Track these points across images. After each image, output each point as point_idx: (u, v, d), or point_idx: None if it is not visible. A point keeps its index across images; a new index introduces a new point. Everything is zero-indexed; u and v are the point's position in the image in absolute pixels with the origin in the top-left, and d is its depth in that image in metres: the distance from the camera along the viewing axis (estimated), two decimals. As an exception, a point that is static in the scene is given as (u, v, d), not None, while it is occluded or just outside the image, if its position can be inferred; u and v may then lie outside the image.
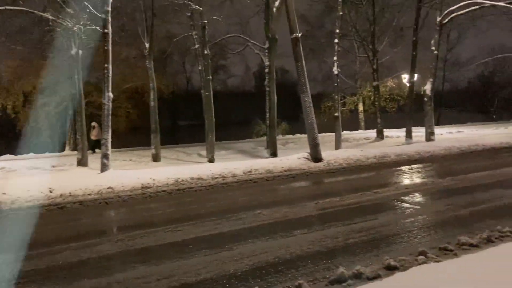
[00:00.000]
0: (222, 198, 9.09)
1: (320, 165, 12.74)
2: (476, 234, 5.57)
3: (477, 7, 17.39)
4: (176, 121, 47.55)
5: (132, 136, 25.57)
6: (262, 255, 5.21)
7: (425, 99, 18.36)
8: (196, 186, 10.30)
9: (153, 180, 10.49)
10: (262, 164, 12.33)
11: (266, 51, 16.90)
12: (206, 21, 14.97)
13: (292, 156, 13.42)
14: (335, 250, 5.34)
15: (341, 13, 16.66)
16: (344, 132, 24.60)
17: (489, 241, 5.31)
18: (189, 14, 15.77)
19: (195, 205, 8.51)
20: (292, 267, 4.79)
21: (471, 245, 5.19)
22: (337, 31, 16.70)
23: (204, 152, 16.31)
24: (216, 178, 11.00)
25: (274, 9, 15.44)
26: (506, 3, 17.43)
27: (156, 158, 15.64)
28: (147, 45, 15.65)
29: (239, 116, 39.51)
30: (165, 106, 33.96)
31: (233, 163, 12.48)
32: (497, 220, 6.25)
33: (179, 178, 10.68)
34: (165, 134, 18.75)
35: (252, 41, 18.58)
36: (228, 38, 20.05)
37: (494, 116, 45.38)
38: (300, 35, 13.37)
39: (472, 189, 8.73)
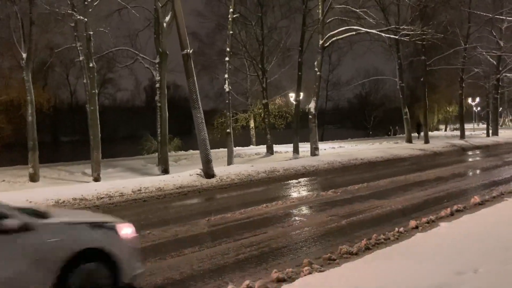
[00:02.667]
0: (109, 219, 8.57)
1: (212, 181, 12.75)
2: (356, 243, 5.98)
3: (354, 33, 19.07)
4: (58, 136, 44.22)
5: (6, 153, 23.05)
6: (149, 278, 4.99)
7: (310, 116, 19.51)
8: (80, 208, 9.60)
9: (29, 202, 9.53)
10: (152, 181, 11.96)
11: (157, 65, 16.58)
12: (91, 32, 14.22)
13: (185, 172, 13.24)
14: (225, 266, 5.34)
15: (231, 32, 17.06)
16: (237, 148, 25.02)
17: (367, 249, 5.74)
18: (72, 24, 14.84)
19: (78, 227, 7.90)
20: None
21: (351, 254, 5.57)
22: (228, 49, 17.04)
23: (89, 171, 15.27)
24: (102, 198, 10.37)
25: (165, 24, 15.27)
26: (377, 31, 19.41)
27: (34, 178, 14.25)
28: (24, 55, 14.34)
29: (128, 132, 38.03)
30: (46, 120, 31.39)
31: (121, 182, 11.90)
32: (373, 229, 6.81)
33: (59, 199, 9.86)
34: (45, 151, 17.26)
35: (141, 55, 18.08)
36: (116, 51, 19.25)
37: (370, 133, 49.85)
38: (191, 51, 13.37)
39: (351, 201, 9.42)
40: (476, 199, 8.54)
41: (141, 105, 48.88)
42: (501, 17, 26.98)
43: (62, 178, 15.12)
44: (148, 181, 12.09)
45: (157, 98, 16.76)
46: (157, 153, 18.39)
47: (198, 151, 14.22)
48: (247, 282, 4.52)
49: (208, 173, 13.03)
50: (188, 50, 13.24)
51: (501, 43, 30.30)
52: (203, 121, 13.40)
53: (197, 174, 12.95)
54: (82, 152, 22.06)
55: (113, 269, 4.02)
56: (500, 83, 33.14)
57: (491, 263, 4.37)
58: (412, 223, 6.91)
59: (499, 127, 36.49)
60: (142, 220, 8.27)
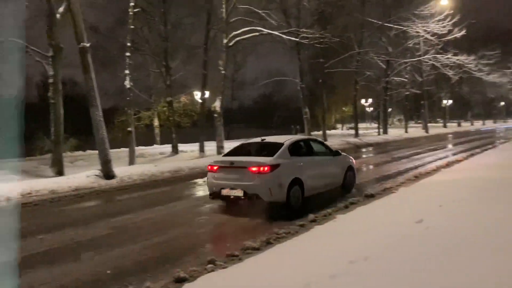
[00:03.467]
0: (-7, 226, 7.75)
1: (113, 182, 12.16)
2: (258, 238, 6.10)
3: (257, 33, 19.50)
4: None
5: None
6: (42, 287, 4.61)
7: (215, 115, 19.55)
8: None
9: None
10: (45, 184, 11.06)
11: (50, 59, 15.35)
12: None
13: (81, 174, 12.44)
14: (126, 269, 5.12)
15: (132, 26, 16.43)
16: (139, 147, 24.20)
17: (268, 243, 5.88)
18: None
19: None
20: (76, 295, 4.37)
21: (254, 249, 5.66)
22: (129, 44, 16.39)
23: (-30, 174, 13.73)
24: (-15, 203, 9.35)
25: (58, 15, 14.20)
26: (279, 33, 20.06)
27: None
28: None
29: (17, 131, 34.78)
30: None
31: (7, 185, 10.78)
32: (275, 223, 6.99)
33: None
34: None
35: (32, 47, 16.59)
36: (1, 42, 17.46)
37: (274, 132, 51.37)
38: (88, 45, 12.61)
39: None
40: (369, 192, 9.21)
41: (33, 102, 44.95)
42: (389, 25, 29.50)
43: None
44: (40, 183, 11.16)
45: (50, 94, 15.53)
46: (50, 154, 17.06)
47: (96, 151, 13.47)
48: (147, 284, 4.38)
49: (107, 173, 12.39)
50: (85, 44, 12.47)
51: (390, 49, 33.12)
52: (102, 119, 12.71)
53: (96, 175, 12.25)
54: (-39, 154, 19.73)
55: (351, 176, 10.05)
56: (388, 86, 36.18)
57: (379, 250, 4.72)
58: (311, 216, 7.24)
59: (388, 126, 39.79)
60: (33, 225, 7.60)
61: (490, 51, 35.82)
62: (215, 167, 8.27)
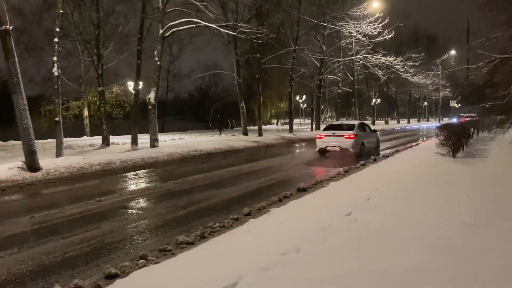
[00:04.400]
0: None
1: (38, 175, 11.47)
2: (192, 232, 6.06)
3: (194, 25, 19.24)
4: None
5: None
6: (-46, 288, 4.27)
7: (150, 107, 19.06)
8: None
9: None
10: (-40, 176, 10.21)
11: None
12: None
13: (3, 166, 11.61)
14: (51, 267, 4.87)
15: (61, 11, 15.50)
16: (68, 138, 23.05)
17: (203, 237, 5.87)
18: None
19: None
20: (-5, 296, 4.10)
21: (188, 243, 5.62)
22: (57, 29, 15.44)
23: None
24: None
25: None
26: (216, 26, 19.94)
27: None
28: None
29: None
30: None
31: None
32: (210, 217, 7.00)
33: None
34: None
35: None
36: None
37: (210, 125, 51.15)
38: (11, 28, 11.75)
39: (190, 191, 9.53)
40: (301, 186, 9.47)
41: None
42: (324, 24, 30.41)
43: None
44: (-46, 176, 10.29)
45: (-33, 79, 14.32)
46: (-33, 144, 15.75)
47: (19, 142, 12.64)
48: (76, 281, 4.21)
49: (32, 165, 11.68)
50: (8, 27, 11.60)
51: (324, 48, 34.15)
52: (26, 107, 11.93)
53: (19, 167, 11.49)
54: None
55: (378, 145, 18.21)
56: (322, 83, 37.31)
57: (311, 242, 4.89)
58: (246, 210, 7.32)
59: (321, 122, 41.06)
60: None
61: (416, 54, 38.06)
62: (323, 136, 16.50)
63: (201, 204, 8.16)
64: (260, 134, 28.54)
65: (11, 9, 16.06)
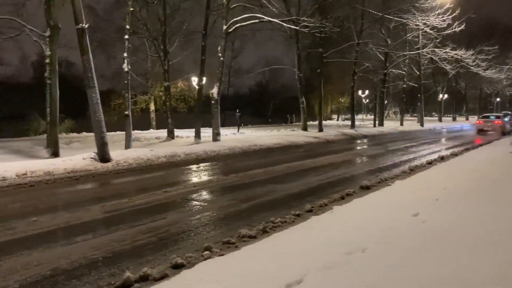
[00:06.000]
0: (-13, 206, 7.73)
1: (108, 165, 12.11)
2: (254, 226, 6.12)
3: (257, 20, 19.35)
4: None
5: None
6: (36, 268, 4.60)
7: (212, 102, 19.47)
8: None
9: None
10: (40, 165, 10.99)
11: (47, 39, 15.15)
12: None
13: (77, 156, 12.39)
14: (121, 254, 5.11)
15: (131, 9, 16.22)
16: (135, 131, 24.11)
17: (265, 232, 5.90)
18: None
19: (-51, 216, 7.01)
20: (73, 278, 4.37)
21: (250, 237, 5.68)
22: (127, 27, 16.19)
23: (-36, 152, 13.64)
24: (-21, 182, 9.30)
25: (57, -6, 13.99)
26: (279, 21, 19.91)
27: None
28: None
29: (13, 111, 34.42)
30: None
31: (2, 165, 10.75)
32: (271, 212, 7.02)
33: None
34: None
35: (29, 26, 16.37)
36: (-1, 20, 17.21)
37: (269, 120, 51.34)
38: (86, 26, 12.45)
39: (251, 185, 9.62)
40: (364, 184, 9.25)
41: (28, 82, 44.38)
42: (389, 16, 29.36)
43: None
44: (36, 164, 11.09)
45: (46, 74, 15.35)
46: (45, 135, 16.94)
47: (92, 134, 13.40)
48: (144, 269, 4.38)
49: (103, 157, 12.35)
50: (84, 25, 12.31)
51: (389, 41, 33.04)
52: (99, 101, 12.61)
53: (91, 158, 12.20)
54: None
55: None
56: (386, 78, 36.16)
57: (376, 242, 4.75)
58: (307, 206, 7.27)
59: (384, 118, 39.85)
60: (28, 207, 7.60)
61: (489, 46, 35.76)
62: (481, 121, 30.58)
63: (262, 199, 8.21)
64: (320, 130, 28.22)
65: (85, 7, 16.96)
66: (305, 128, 29.18)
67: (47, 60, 14.86)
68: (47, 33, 15.00)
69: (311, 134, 24.89)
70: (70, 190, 9.39)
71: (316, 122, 31.38)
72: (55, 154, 13.88)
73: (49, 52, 14.74)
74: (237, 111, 33.18)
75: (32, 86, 36.84)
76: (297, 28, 20.92)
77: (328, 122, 51.67)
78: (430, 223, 5.55)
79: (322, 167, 12.63)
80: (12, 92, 39.22)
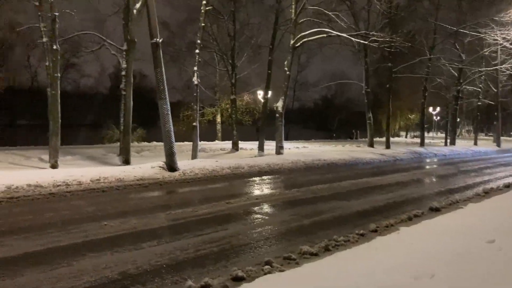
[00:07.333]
0: (65, 208, 8.26)
1: (175, 174, 12.52)
2: (316, 243, 6.00)
3: (325, 35, 19.25)
4: (15, 119, 42.32)
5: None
6: (105, 271, 4.81)
7: (277, 115, 19.56)
8: (34, 195, 9.20)
9: (-21, 186, 9.05)
10: (112, 172, 11.61)
11: (124, 53, 16.12)
12: (57, 13, 13.66)
13: (146, 164, 12.94)
14: (184, 262, 5.22)
15: (203, 24, 16.82)
16: (202, 142, 24.79)
17: (327, 250, 5.76)
18: (36, 3, 14.19)
19: (31, 215, 7.57)
20: (138, 283, 4.52)
21: (312, 254, 5.57)
22: (199, 41, 16.80)
23: (46, 157, 14.69)
24: (58, 185, 9.98)
25: (135, 11, 14.86)
26: (348, 35, 19.68)
27: (-15, 161, 13.59)
28: (-18, 31, 13.62)
29: (90, 119, 36.86)
30: (1, 102, 30.07)
31: (79, 170, 11.49)
32: (333, 230, 6.85)
33: (12, 185, 9.39)
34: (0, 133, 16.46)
35: (108, 41, 17.53)
36: (82, 35, 18.61)
37: (334, 135, 50.63)
38: (160, 40, 13.08)
39: (314, 201, 9.48)
40: (434, 205, 8.78)
41: (105, 93, 47.43)
42: (464, 31, 27.97)
43: (17, 163, 14.48)
44: (108, 171, 11.73)
45: (122, 86, 16.31)
46: (118, 143, 17.92)
47: (161, 143, 13.94)
48: (206, 279, 4.43)
49: (171, 166, 12.79)
50: (158, 39, 12.94)
51: (463, 56, 31.45)
52: (169, 112, 13.13)
53: (160, 166, 12.68)
54: (40, 137, 21.24)
55: None
56: (460, 95, 34.36)
57: (446, 268, 4.46)
58: (372, 226, 7.01)
59: (456, 137, 37.84)
60: (100, 211, 8.01)
61: None
62: None
63: (324, 215, 8.05)
64: (387, 147, 27.34)
65: (160, 23, 17.86)
66: (371, 145, 28.40)
67: (123, 73, 15.79)
68: (124, 47, 15.95)
69: (377, 151, 24.16)
70: (138, 197, 9.80)
71: (383, 139, 30.43)
72: (126, 161, 14.61)
73: (125, 65, 15.65)
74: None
75: (108, 96, 39.26)
76: (366, 42, 20.55)
77: (396, 139, 49.94)
78: (508, 251, 5.13)
79: (389, 186, 12.18)
80: (91, 101, 42.06)
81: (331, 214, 8.16)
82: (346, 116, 53.31)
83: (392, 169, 17.18)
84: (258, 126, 27.81)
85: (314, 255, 5.53)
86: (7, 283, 4.42)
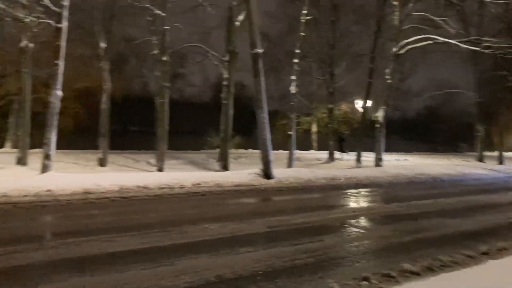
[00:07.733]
0: (168, 209, 8.79)
1: (271, 182, 12.68)
2: (418, 262, 5.63)
3: (431, 42, 18.22)
4: (127, 125, 46.22)
5: (79, 137, 24.50)
6: (203, 273, 4.99)
7: (377, 125, 18.90)
8: (142, 195, 9.93)
9: (96, 185, 10.01)
10: (212, 177, 12.12)
11: (226, 63, 16.81)
12: (167, 27, 14.70)
13: (244, 171, 13.31)
14: (280, 271, 5.21)
15: (303, 34, 16.90)
16: (297, 151, 24.79)
17: (430, 270, 5.37)
18: (150, 18, 15.43)
19: (138, 215, 8.16)
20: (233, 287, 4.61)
21: (413, 273, 5.23)
22: (297, 51, 16.91)
23: (153, 160, 15.86)
24: (163, 188, 10.66)
25: (237, 23, 15.44)
26: (456, 41, 18.40)
27: (102, 163, 15.02)
28: (103, 45, 15.13)
29: (193, 126, 38.94)
30: (116, 109, 32.96)
31: (182, 174, 12.19)
32: (437, 249, 6.38)
33: (124, 186, 10.25)
34: (114, 138, 18.11)
35: (212, 52, 18.43)
36: (189, 47, 19.81)
37: (438, 148, 47.51)
38: (261, 51, 13.39)
39: (415, 216, 8.94)
40: (558, 230, 7.78)
41: (207, 101, 49.72)
42: None
43: (128, 166, 15.78)
44: (208, 176, 12.27)
45: (223, 95, 16.99)
46: (218, 149, 18.68)
47: (257, 151, 14.23)
48: (302, 290, 4.38)
49: (267, 173, 12.98)
50: (259, 50, 13.27)
51: None
52: (267, 121, 13.37)
53: (256, 173, 12.95)
54: (147, 142, 22.94)
55: None
56: None
57: None
58: (482, 247, 6.41)
59: None
60: (200, 214, 8.38)
61: None
62: None
63: (427, 233, 7.53)
64: (500, 162, 24.95)
65: (259, 33, 18.34)
66: (480, 159, 26.13)
67: (225, 83, 16.45)
68: (226, 58, 16.62)
69: (488, 167, 22.16)
70: (235, 202, 10.08)
71: (494, 153, 27.82)
72: (225, 167, 15.17)
73: (227, 75, 16.29)
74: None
75: (209, 105, 41.08)
76: (478, 49, 19.02)
77: (510, 154, 45.39)
78: None
79: (502, 205, 11.05)
80: (194, 110, 44.45)
81: (435, 232, 7.61)
82: (452, 128, 49.72)
83: (505, 187, 15.62)
84: (343, 136, 26.85)
85: (416, 274, 5.18)
86: (117, 276, 4.79)
